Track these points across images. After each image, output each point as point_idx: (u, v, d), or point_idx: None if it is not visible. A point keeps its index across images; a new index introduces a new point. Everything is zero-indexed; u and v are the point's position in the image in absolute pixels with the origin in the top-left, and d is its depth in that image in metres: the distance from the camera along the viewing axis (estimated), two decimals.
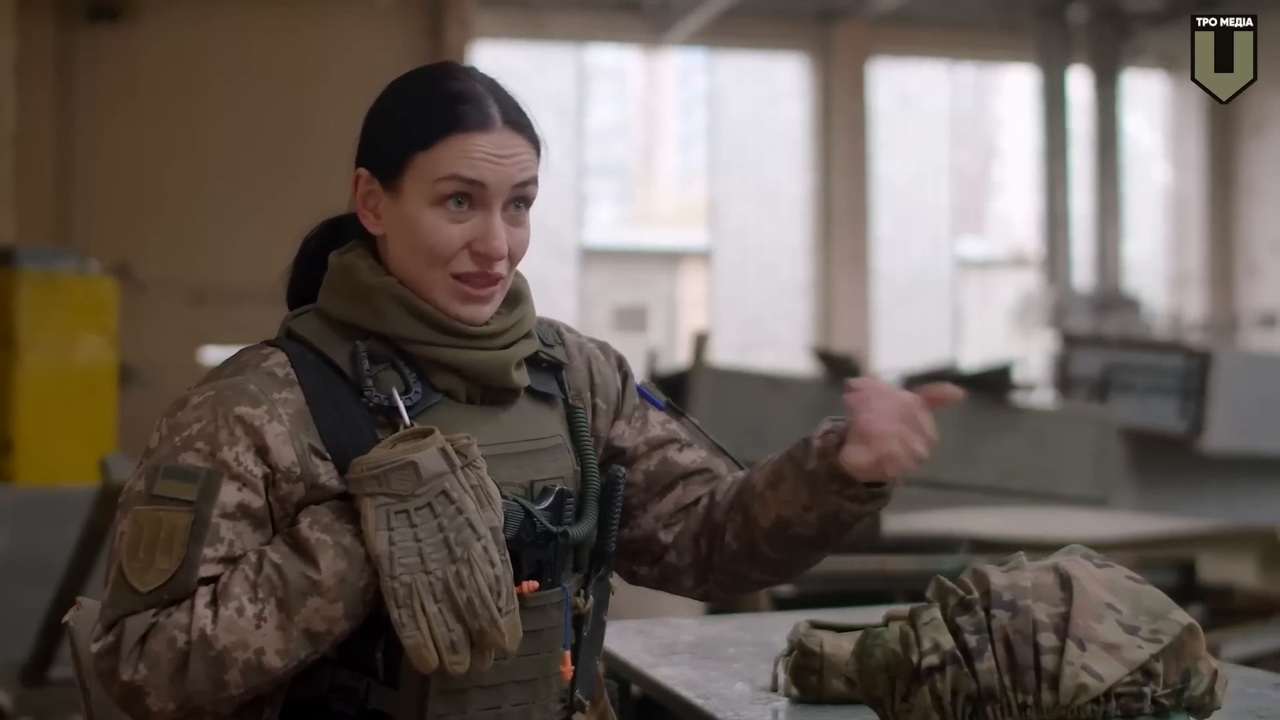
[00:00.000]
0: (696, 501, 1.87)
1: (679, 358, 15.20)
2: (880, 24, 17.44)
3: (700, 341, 7.74)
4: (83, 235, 12.49)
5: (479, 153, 1.66)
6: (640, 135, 22.03)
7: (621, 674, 2.48)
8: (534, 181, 1.72)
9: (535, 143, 1.73)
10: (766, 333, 18.24)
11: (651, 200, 22.30)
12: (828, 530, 1.77)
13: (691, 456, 1.90)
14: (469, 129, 1.66)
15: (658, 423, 1.91)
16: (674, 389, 7.65)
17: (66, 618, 1.84)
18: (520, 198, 1.70)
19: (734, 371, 8.00)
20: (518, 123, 1.70)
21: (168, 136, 13.45)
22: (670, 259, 21.38)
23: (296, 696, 1.64)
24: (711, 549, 1.83)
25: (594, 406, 1.85)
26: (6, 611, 5.95)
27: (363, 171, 1.72)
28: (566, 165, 18.34)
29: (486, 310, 1.70)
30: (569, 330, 1.89)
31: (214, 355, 12.64)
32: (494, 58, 17.01)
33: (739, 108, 18.90)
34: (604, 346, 1.92)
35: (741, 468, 1.91)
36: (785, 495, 1.76)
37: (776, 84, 18.55)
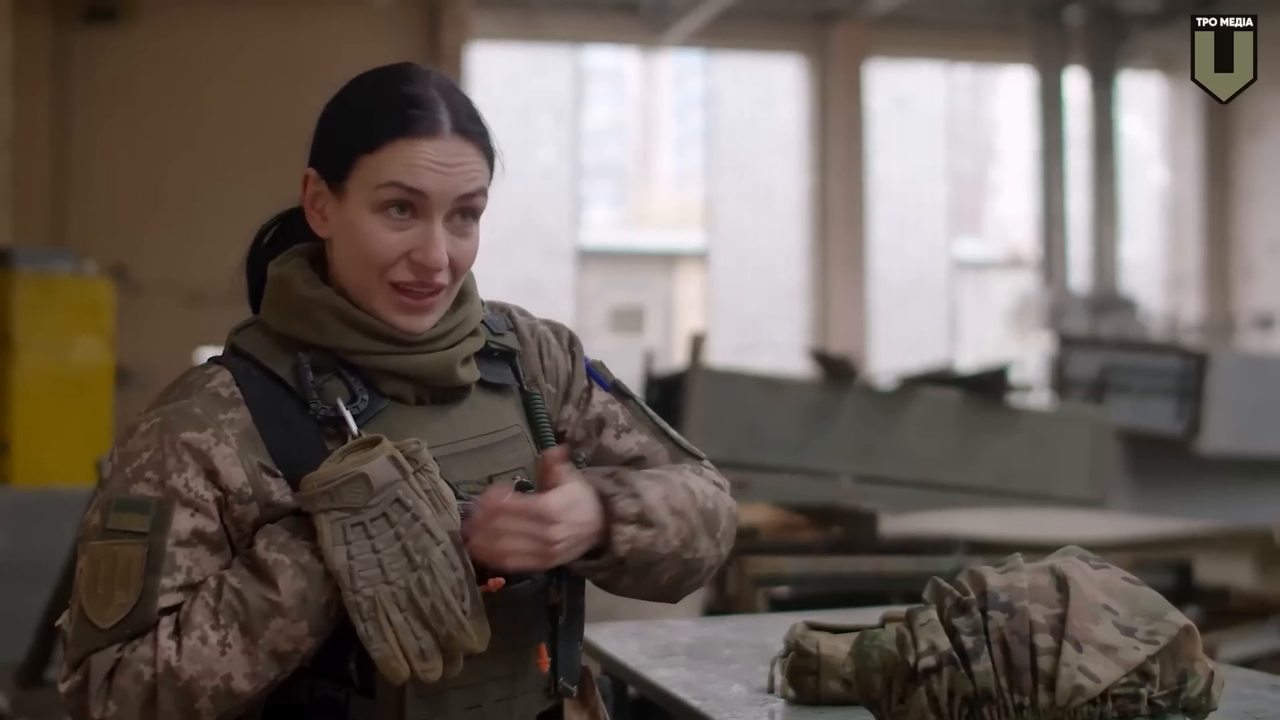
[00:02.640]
0: None
1: (676, 359, 15.20)
2: (877, 25, 17.45)
3: (697, 343, 7.74)
4: (79, 236, 12.49)
5: (423, 160, 1.62)
6: (637, 136, 22.03)
7: (618, 675, 2.48)
8: (482, 193, 1.67)
9: (488, 153, 1.68)
10: (763, 334, 18.25)
11: (648, 201, 22.30)
12: (606, 584, 1.73)
13: (629, 444, 1.84)
14: (415, 135, 1.62)
15: (599, 403, 1.84)
16: (671, 390, 7.65)
17: (62, 619, 1.83)
18: (467, 209, 1.66)
19: (730, 373, 8.00)
20: (468, 131, 1.65)
21: (164, 138, 13.46)
22: (667, 260, 21.39)
23: (278, 704, 1.63)
24: None
25: (551, 394, 1.82)
26: (3, 612, 5.95)
27: (311, 171, 1.69)
28: (563, 166, 18.34)
29: (426, 321, 1.67)
30: (521, 313, 1.86)
31: (210, 356, 12.61)
32: (490, 59, 17.03)
33: (736, 109, 18.91)
34: (557, 329, 1.87)
35: (688, 452, 1.85)
36: None
37: (773, 85, 18.56)
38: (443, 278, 1.65)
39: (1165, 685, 1.62)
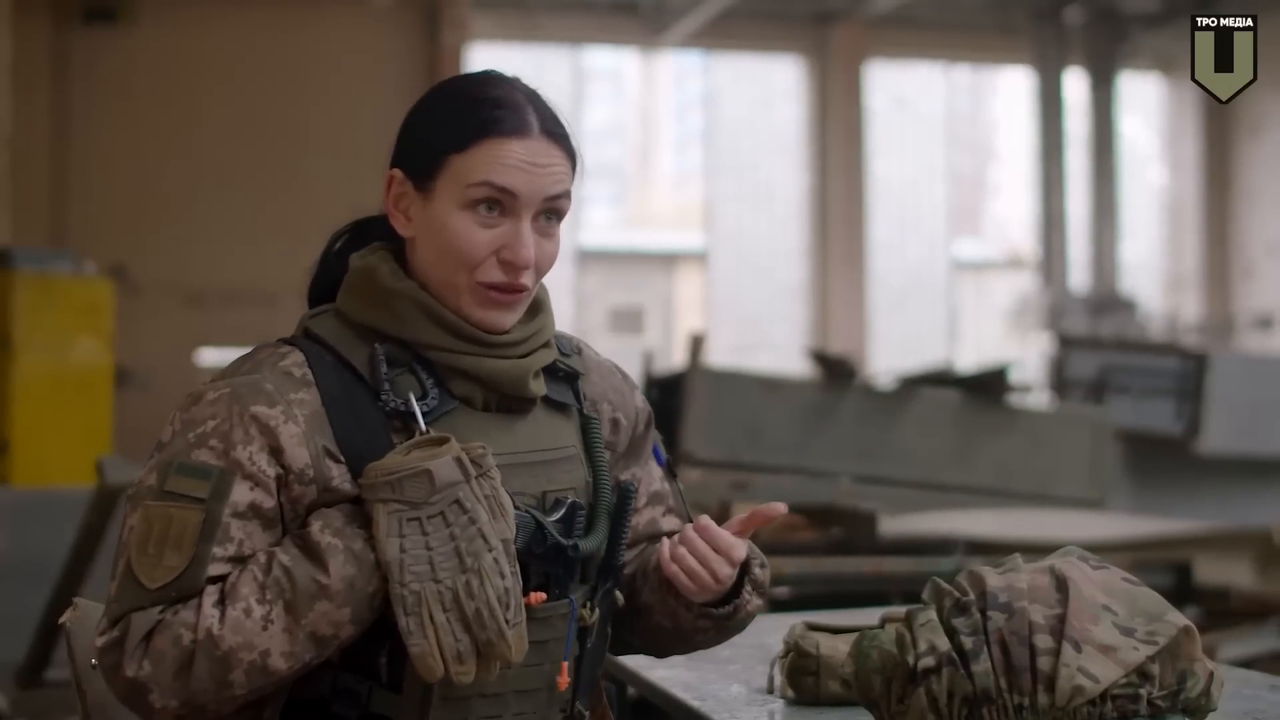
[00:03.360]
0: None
1: (675, 359, 15.19)
2: (876, 26, 17.45)
3: (696, 343, 7.73)
4: (79, 237, 12.49)
5: (513, 159, 1.65)
6: (636, 137, 22.03)
7: (618, 676, 2.48)
8: (567, 195, 1.70)
9: (572, 156, 1.71)
10: (762, 334, 18.24)
11: (648, 202, 22.30)
12: (679, 630, 1.83)
13: (671, 524, 1.92)
14: (505, 134, 1.65)
15: (656, 478, 1.92)
16: (670, 390, 7.64)
17: (63, 619, 1.84)
18: (552, 210, 1.69)
19: (730, 373, 7.99)
20: (555, 133, 1.69)
21: (164, 138, 13.45)
22: (666, 261, 21.39)
23: (298, 697, 1.64)
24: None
25: (615, 421, 1.85)
26: (2, 613, 5.96)
27: (396, 172, 1.71)
28: None
29: (509, 319, 1.69)
30: (588, 347, 1.89)
31: (210, 357, 12.63)
32: (490, 60, 17.02)
33: (735, 109, 18.90)
34: (624, 373, 1.92)
35: None
36: (653, 583, 1.82)
37: (773, 86, 18.55)
38: (527, 278, 1.68)
39: (1165, 686, 1.62)
